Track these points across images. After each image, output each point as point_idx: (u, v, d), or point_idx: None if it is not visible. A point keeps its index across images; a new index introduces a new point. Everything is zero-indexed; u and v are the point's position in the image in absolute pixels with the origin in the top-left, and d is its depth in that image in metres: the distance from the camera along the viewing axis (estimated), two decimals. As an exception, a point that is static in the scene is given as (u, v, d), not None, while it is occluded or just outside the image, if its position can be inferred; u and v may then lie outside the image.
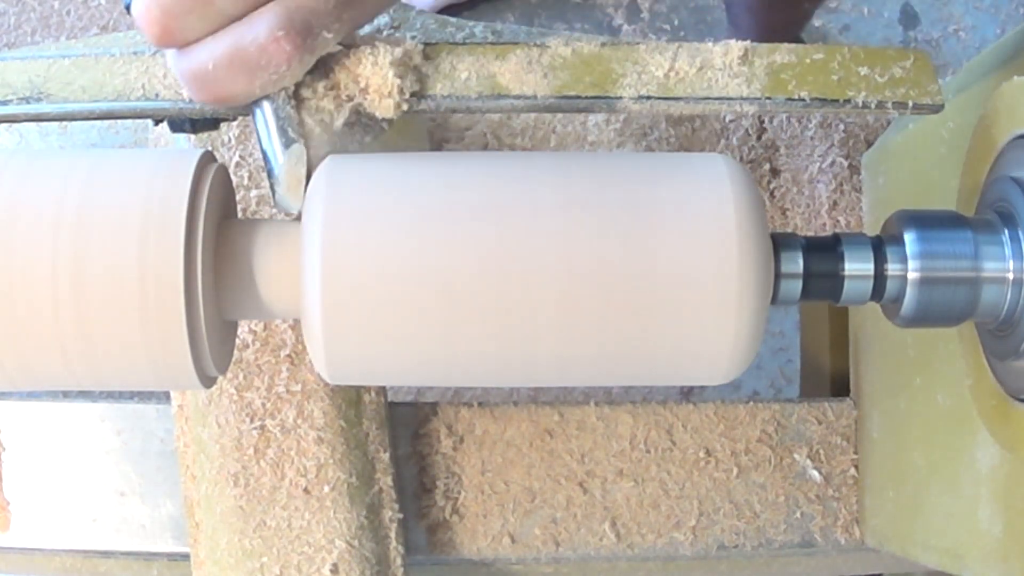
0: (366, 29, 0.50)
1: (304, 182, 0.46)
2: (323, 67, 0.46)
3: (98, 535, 0.75)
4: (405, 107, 0.47)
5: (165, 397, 0.75)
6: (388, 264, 0.42)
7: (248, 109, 0.46)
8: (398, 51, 0.46)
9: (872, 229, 0.72)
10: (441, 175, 0.44)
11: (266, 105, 0.46)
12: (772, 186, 0.80)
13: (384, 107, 0.46)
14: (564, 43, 0.48)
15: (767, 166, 0.80)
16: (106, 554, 0.76)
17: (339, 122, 0.47)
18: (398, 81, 0.46)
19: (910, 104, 0.47)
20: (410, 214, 0.43)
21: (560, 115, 0.77)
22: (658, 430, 0.76)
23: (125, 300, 0.42)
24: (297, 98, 0.46)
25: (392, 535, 0.71)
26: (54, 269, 0.41)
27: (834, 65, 0.48)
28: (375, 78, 0.46)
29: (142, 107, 0.48)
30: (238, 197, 0.63)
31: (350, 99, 0.46)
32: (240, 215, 0.64)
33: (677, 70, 0.47)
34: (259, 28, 0.42)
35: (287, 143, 0.46)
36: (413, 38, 0.49)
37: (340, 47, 0.46)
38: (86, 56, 0.49)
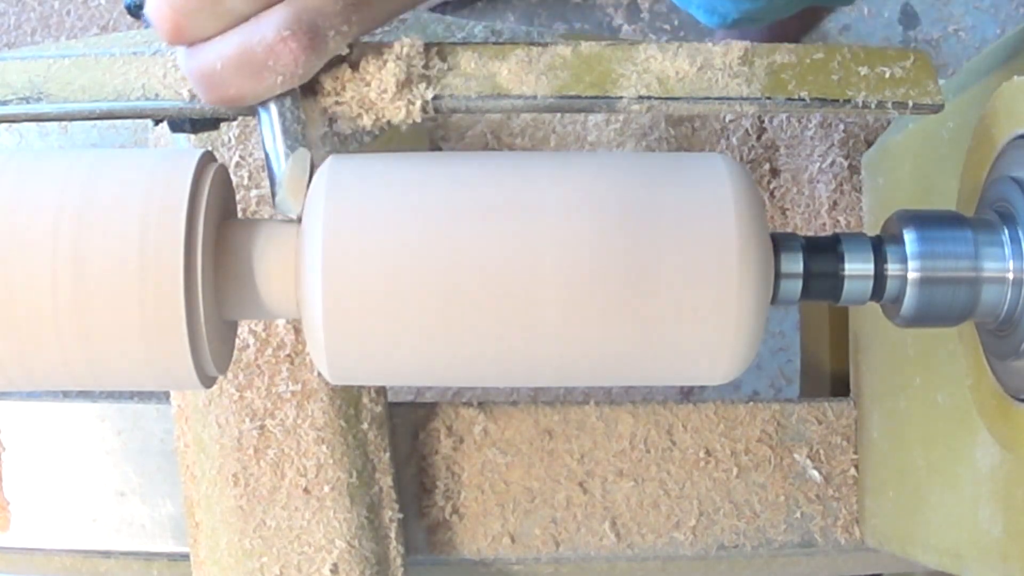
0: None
1: (306, 187, 0.45)
2: (332, 71, 0.46)
3: (98, 535, 0.75)
4: (418, 115, 0.47)
5: (165, 397, 0.75)
6: (389, 264, 0.42)
7: (254, 110, 0.46)
8: (404, 51, 0.46)
9: (872, 229, 0.71)
10: (442, 175, 0.44)
11: (273, 107, 0.45)
12: (772, 186, 0.80)
13: (393, 112, 0.46)
14: (564, 43, 0.48)
15: (767, 166, 0.80)
16: (106, 554, 0.76)
17: (347, 129, 0.46)
18: (408, 87, 0.46)
19: (910, 104, 0.47)
20: (411, 214, 0.43)
21: (560, 115, 0.77)
22: (658, 430, 0.76)
23: (125, 300, 0.42)
24: (305, 102, 0.46)
25: (392, 535, 0.71)
26: (54, 269, 0.41)
27: (834, 65, 0.48)
28: (384, 82, 0.46)
29: (142, 107, 0.48)
30: (238, 197, 0.63)
31: (362, 105, 0.46)
32: (240, 215, 0.64)
33: (677, 70, 0.47)
34: (266, 28, 0.42)
35: (292, 147, 0.45)
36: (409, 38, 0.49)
37: (349, 51, 0.46)
38: (86, 56, 0.49)
